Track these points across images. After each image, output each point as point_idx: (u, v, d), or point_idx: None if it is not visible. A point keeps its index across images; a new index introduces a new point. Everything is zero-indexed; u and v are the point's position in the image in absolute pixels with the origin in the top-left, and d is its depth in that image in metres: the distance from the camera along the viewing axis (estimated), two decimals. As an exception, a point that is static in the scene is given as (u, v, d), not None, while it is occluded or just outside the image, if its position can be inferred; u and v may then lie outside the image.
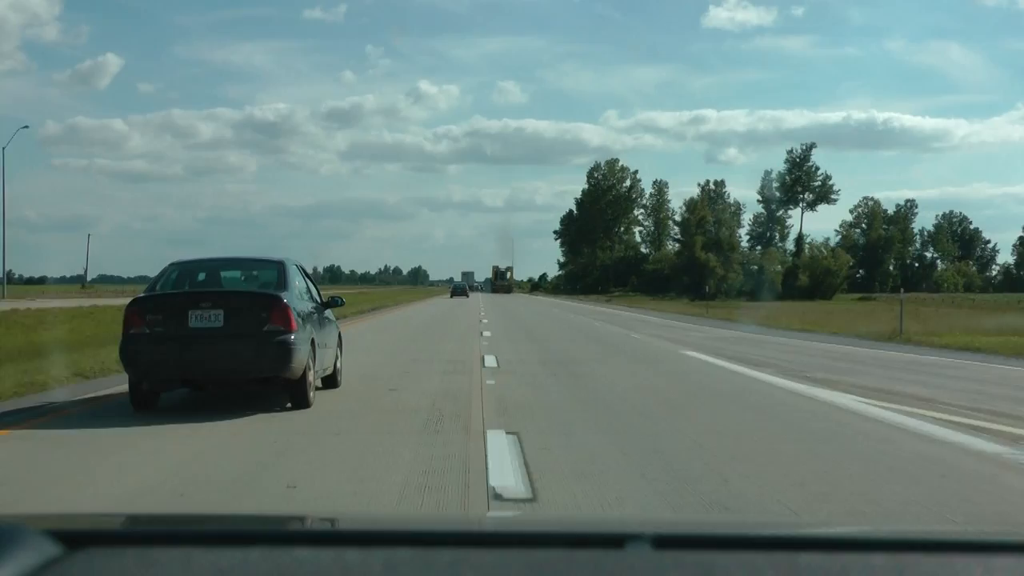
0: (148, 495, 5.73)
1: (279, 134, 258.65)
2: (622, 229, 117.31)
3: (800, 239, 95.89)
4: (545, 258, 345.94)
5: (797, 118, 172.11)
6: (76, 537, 1.27)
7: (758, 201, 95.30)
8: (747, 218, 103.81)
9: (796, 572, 1.21)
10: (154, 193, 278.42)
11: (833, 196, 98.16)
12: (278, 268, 10.21)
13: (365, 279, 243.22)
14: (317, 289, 11.23)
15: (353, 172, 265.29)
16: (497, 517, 3.91)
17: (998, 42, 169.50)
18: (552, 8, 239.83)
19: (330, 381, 11.03)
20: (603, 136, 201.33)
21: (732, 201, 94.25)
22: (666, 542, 1.30)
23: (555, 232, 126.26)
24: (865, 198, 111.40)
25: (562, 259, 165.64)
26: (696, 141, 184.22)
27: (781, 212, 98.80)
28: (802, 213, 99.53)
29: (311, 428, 8.32)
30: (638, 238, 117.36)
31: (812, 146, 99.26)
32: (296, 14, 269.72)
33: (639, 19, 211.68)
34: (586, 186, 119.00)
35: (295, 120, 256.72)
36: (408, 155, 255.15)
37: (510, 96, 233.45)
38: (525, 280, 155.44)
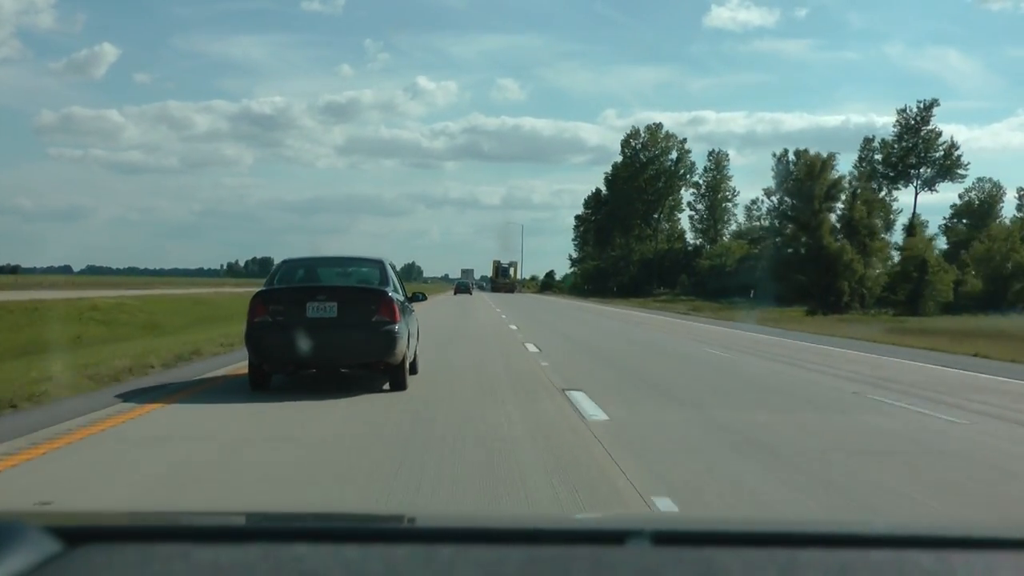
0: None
1: (276, 127, 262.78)
2: (662, 215, 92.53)
3: (912, 227, 71.28)
4: (543, 257, 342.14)
5: (796, 120, 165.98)
6: (75, 533, 1.27)
7: (850, 182, 69.98)
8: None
9: (796, 568, 1.21)
10: (149, 185, 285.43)
11: (960, 171, 73.63)
12: (380, 267, 11.55)
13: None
14: (403, 285, 12.10)
15: (350, 167, 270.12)
16: (497, 514, 3.90)
17: (997, 49, 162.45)
18: (551, 7, 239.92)
19: (411, 368, 11.38)
20: (601, 135, 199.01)
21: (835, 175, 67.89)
22: (666, 538, 1.31)
23: (577, 218, 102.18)
24: (980, 179, 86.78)
25: (575, 254, 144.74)
26: (695, 142, 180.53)
27: (884, 193, 73.77)
28: (916, 194, 75.01)
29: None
30: (686, 225, 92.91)
31: (933, 104, 74.35)
32: (294, 7, 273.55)
33: (638, 19, 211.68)
34: (620, 158, 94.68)
35: (292, 114, 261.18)
36: (405, 151, 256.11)
37: (508, 94, 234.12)
38: (527, 278, 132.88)
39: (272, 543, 1.29)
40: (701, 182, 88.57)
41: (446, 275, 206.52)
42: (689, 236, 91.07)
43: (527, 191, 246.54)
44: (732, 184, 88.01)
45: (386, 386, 10.48)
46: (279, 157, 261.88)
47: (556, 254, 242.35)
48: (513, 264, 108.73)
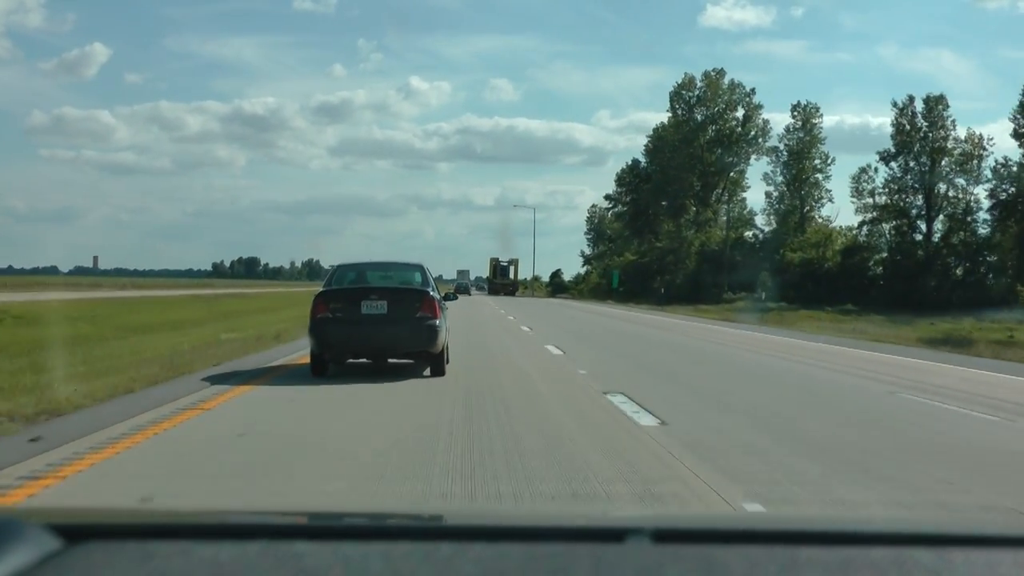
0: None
1: (268, 128, 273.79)
2: (725, 192, 69.72)
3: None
4: (538, 258, 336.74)
5: (791, 121, 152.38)
6: (75, 531, 1.28)
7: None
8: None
9: (796, 566, 1.21)
10: (141, 186, 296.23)
11: None
12: (420, 270, 13.35)
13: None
14: (437, 286, 13.60)
15: (343, 168, 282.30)
16: (497, 511, 3.90)
17: (992, 49, 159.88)
18: (544, 7, 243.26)
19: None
20: (595, 136, 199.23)
21: None
22: (666, 536, 1.31)
23: (607, 197, 79.04)
24: None
25: (588, 250, 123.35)
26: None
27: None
28: None
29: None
30: (756, 207, 70.26)
31: None
32: (286, 7, 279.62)
33: (631, 20, 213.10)
34: (668, 116, 71.60)
35: (284, 114, 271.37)
36: (398, 152, 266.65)
37: (502, 94, 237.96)
38: (529, 278, 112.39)
39: (272, 540, 1.28)
40: (781, 147, 65.24)
41: (440, 276, 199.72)
42: (759, 220, 68.14)
43: (521, 192, 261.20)
44: (824, 149, 64.64)
45: (427, 372, 12.13)
46: (271, 158, 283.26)
47: (551, 256, 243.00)
48: (514, 262, 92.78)
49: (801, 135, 62.97)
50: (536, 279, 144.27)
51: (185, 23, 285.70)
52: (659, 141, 71.74)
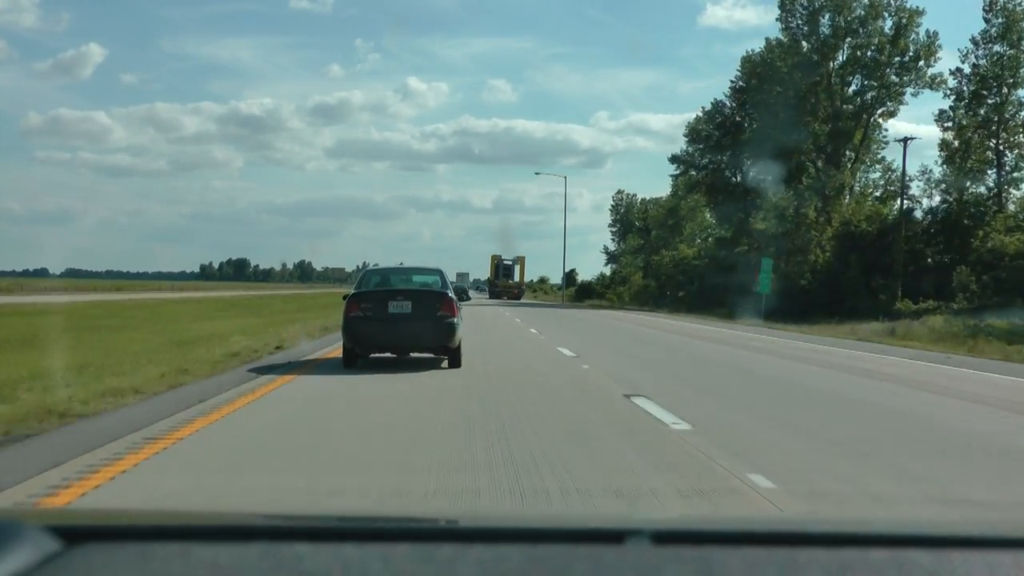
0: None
1: (265, 129, 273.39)
2: (865, 147, 46.77)
3: None
4: (538, 260, 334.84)
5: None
6: (75, 532, 1.29)
7: None
8: None
9: (796, 568, 1.23)
10: (136, 187, 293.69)
11: None
12: (439, 274, 14.95)
13: (339, 278, 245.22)
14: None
15: (340, 169, 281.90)
16: (496, 512, 3.99)
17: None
18: (541, 9, 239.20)
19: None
20: (593, 137, 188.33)
21: None
22: (666, 537, 1.33)
23: (673, 160, 55.27)
24: None
25: (612, 246, 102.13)
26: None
27: None
28: None
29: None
30: (919, 167, 47.06)
31: None
32: (282, 7, 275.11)
33: (628, 21, 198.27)
34: (779, 31, 47.93)
35: (281, 115, 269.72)
36: (396, 153, 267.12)
37: (500, 95, 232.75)
38: (562, 279, 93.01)
39: (271, 542, 1.29)
40: (966, 68, 40.67)
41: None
42: (917, 188, 45.01)
43: (519, 194, 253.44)
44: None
45: (444, 364, 13.43)
46: (268, 160, 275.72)
47: (549, 258, 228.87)
48: (519, 260, 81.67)
49: (1000, 49, 40.15)
50: (543, 280, 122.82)
51: (181, 24, 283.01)
52: (762, 68, 48.00)
